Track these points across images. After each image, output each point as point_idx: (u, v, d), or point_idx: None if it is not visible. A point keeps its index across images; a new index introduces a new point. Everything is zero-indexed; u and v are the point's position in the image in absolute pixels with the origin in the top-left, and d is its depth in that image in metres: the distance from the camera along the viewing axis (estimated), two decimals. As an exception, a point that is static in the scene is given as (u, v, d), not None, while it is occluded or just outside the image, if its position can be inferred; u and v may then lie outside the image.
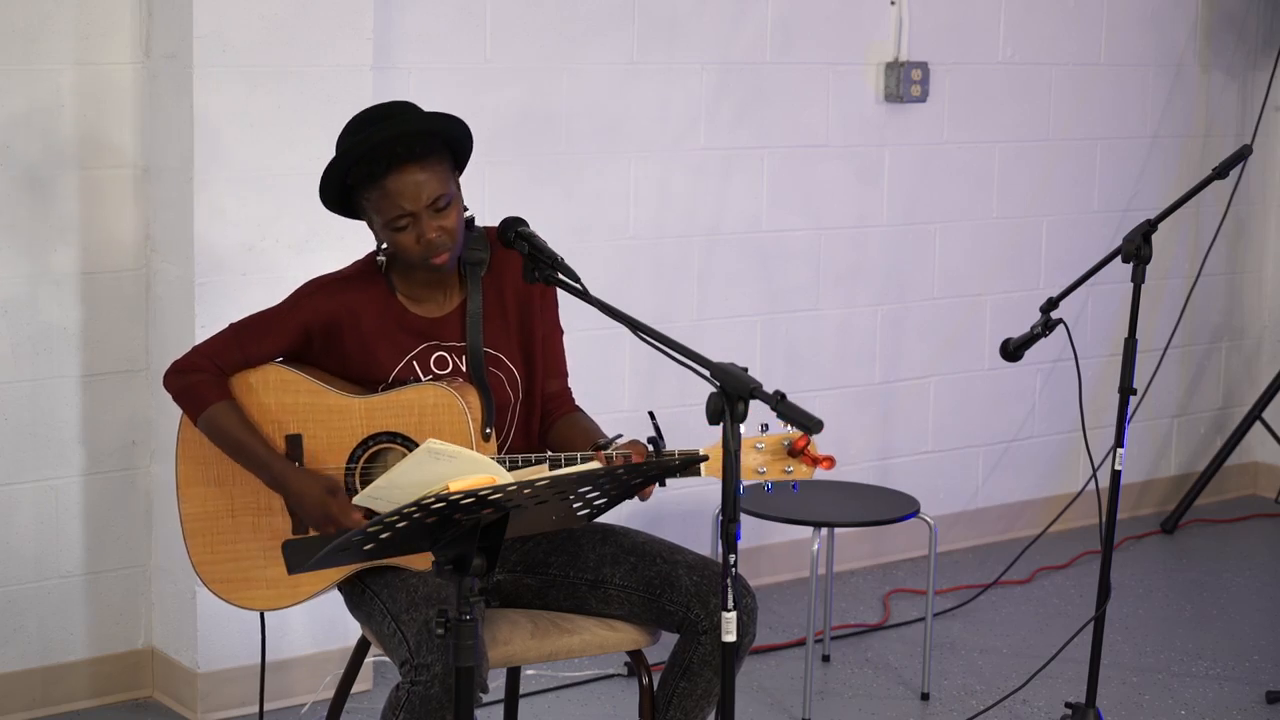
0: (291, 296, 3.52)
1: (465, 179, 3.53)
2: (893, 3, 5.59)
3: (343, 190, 3.43)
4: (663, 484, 3.29)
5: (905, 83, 5.59)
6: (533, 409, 3.57)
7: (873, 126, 5.64)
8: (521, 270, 3.33)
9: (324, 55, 4.41)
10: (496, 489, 2.84)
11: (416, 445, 3.38)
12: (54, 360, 4.43)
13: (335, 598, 4.55)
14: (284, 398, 3.46)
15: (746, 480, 3.21)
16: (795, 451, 3.25)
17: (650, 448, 3.29)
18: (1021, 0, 5.87)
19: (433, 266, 3.40)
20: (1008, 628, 5.35)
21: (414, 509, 2.78)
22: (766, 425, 3.25)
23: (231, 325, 3.52)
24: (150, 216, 4.47)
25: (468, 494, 2.80)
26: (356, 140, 3.38)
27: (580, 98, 5.09)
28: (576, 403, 3.66)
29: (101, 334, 4.47)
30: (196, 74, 4.26)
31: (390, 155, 3.35)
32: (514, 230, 3.35)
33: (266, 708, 4.51)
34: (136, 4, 4.39)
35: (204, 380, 3.45)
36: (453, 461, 2.95)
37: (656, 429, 3.28)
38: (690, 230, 5.33)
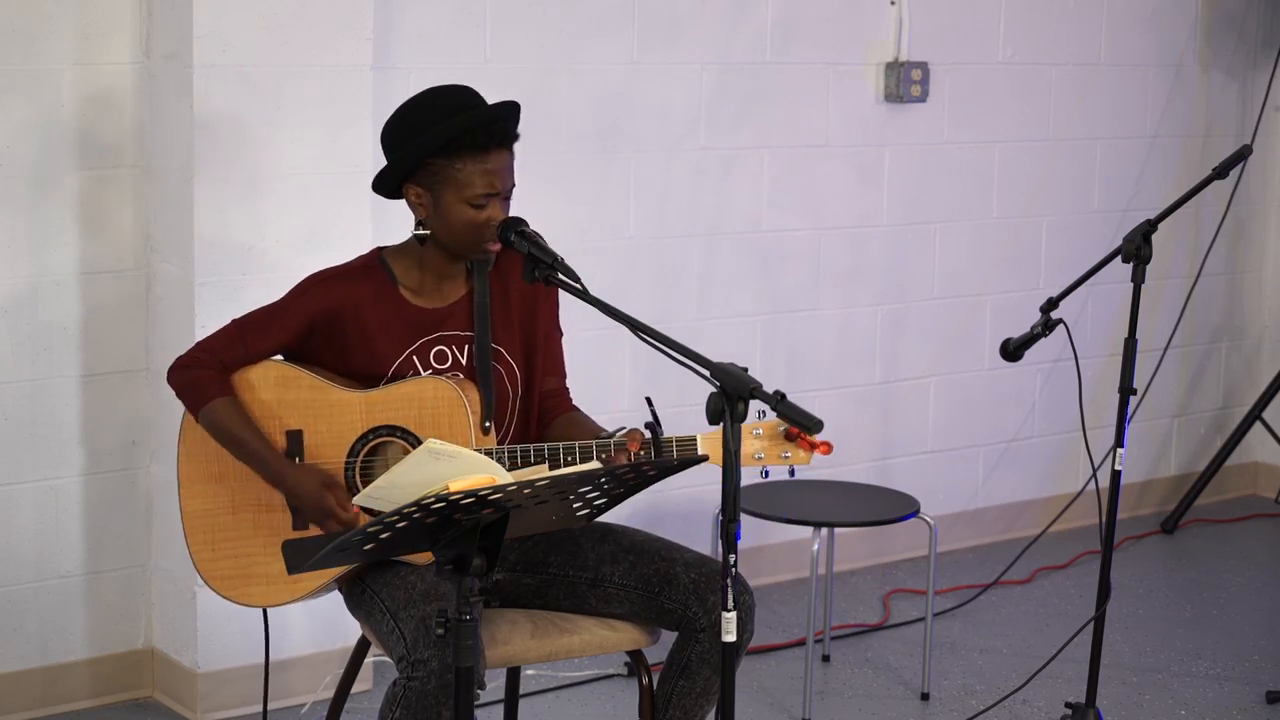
0: (293, 291, 3.53)
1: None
2: (893, 3, 5.59)
3: (420, 157, 3.42)
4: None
5: (905, 83, 5.59)
6: (531, 405, 3.59)
7: (873, 126, 5.63)
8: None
9: (324, 55, 4.41)
10: (496, 489, 2.84)
11: (416, 438, 3.40)
12: (54, 360, 4.42)
13: (335, 597, 4.56)
14: (285, 394, 3.47)
15: (745, 466, 3.17)
16: (791, 436, 3.25)
17: (648, 434, 3.31)
18: (1021, 0, 5.87)
19: (485, 251, 3.44)
20: (1008, 628, 5.34)
21: (414, 509, 2.78)
22: (764, 413, 3.26)
23: (234, 321, 3.52)
24: (150, 216, 4.47)
25: (468, 494, 2.80)
26: (477, 111, 3.40)
27: (580, 98, 5.09)
28: (574, 403, 3.67)
29: (101, 334, 4.47)
30: (196, 74, 4.25)
31: (502, 134, 3.42)
32: (514, 230, 3.36)
33: (267, 707, 4.52)
34: (136, 4, 4.39)
35: (206, 376, 3.46)
36: (453, 461, 2.95)
37: (654, 415, 3.29)
38: (690, 230, 5.33)
